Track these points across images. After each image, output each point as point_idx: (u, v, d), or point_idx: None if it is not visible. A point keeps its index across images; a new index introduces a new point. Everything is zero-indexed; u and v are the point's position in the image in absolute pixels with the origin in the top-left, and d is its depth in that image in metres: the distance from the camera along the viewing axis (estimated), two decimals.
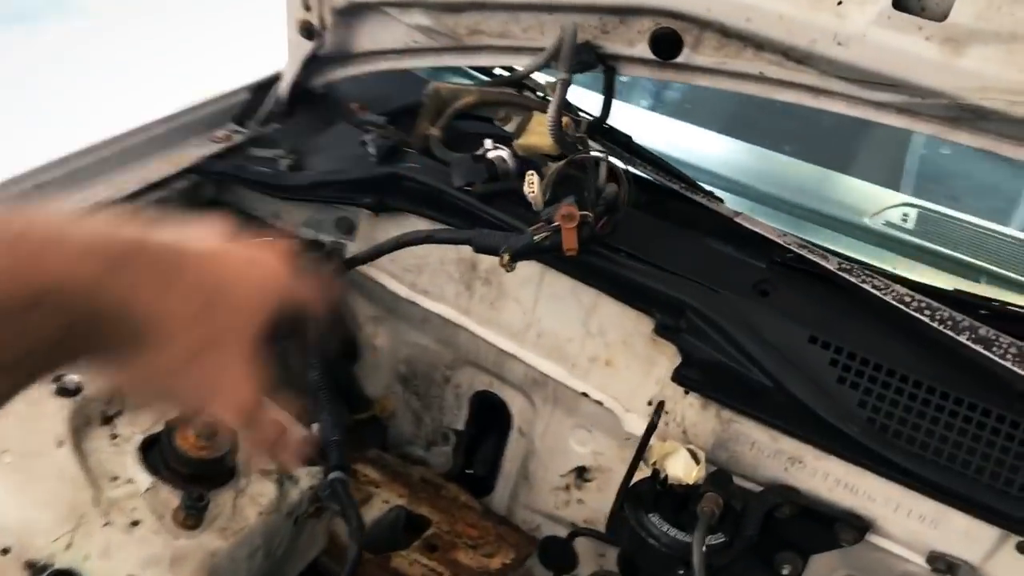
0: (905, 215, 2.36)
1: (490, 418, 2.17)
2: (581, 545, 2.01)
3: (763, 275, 1.82)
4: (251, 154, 2.18)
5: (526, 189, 1.61)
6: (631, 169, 1.95)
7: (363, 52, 2.25)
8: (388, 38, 2.19)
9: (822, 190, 2.53)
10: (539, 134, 1.80)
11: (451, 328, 2.08)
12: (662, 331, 1.76)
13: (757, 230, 1.87)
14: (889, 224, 2.30)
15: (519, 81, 2.18)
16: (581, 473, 2.02)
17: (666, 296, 1.75)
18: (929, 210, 2.42)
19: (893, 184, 3.97)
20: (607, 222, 1.70)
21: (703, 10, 1.76)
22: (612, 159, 1.70)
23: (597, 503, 1.99)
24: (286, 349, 1.03)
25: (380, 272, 2.13)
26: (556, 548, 2.02)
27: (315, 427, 1.71)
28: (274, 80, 2.35)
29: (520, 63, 2.07)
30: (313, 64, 2.28)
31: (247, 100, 2.32)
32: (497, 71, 2.30)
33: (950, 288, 1.80)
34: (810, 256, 1.81)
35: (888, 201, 2.44)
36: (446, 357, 2.16)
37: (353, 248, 2.13)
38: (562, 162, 1.65)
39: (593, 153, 1.71)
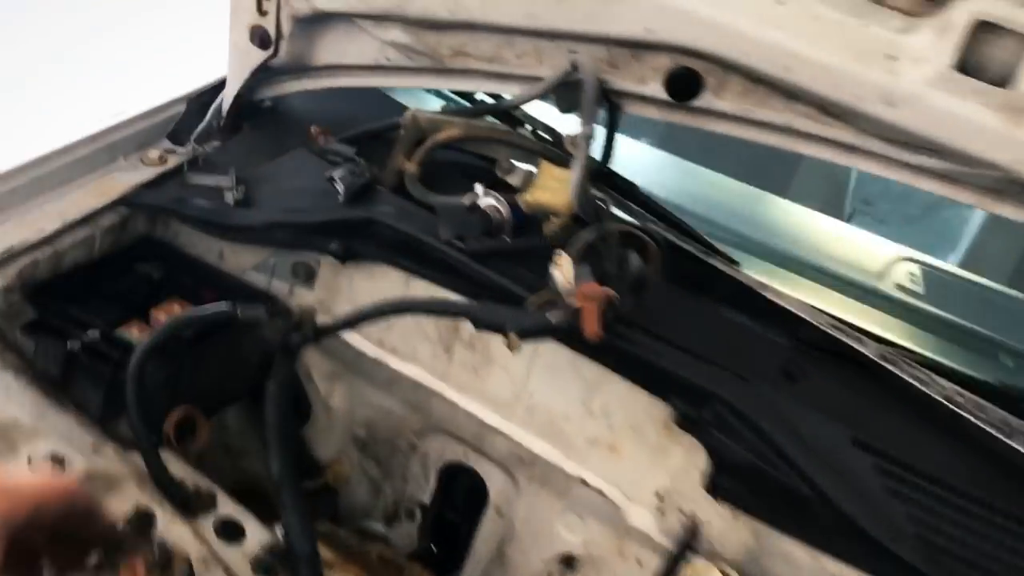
0: (913, 275, 2.22)
1: (461, 493, 1.94)
2: None
3: (789, 355, 1.64)
4: (190, 182, 1.88)
5: (554, 271, 1.37)
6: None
7: (324, 65, 1.97)
8: (356, 52, 1.92)
9: (819, 239, 2.36)
10: (551, 190, 1.56)
11: (423, 392, 1.84)
12: (685, 424, 1.56)
13: (784, 305, 1.69)
14: (900, 288, 2.15)
15: (505, 111, 1.95)
16: (568, 562, 1.81)
17: (688, 383, 1.56)
18: (935, 268, 2.29)
19: (837, 207, 3.89)
20: (633, 301, 1.48)
21: (736, 53, 1.56)
22: (641, 229, 1.48)
23: None
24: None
25: None
26: None
27: (279, 530, 1.46)
28: (214, 91, 2.05)
29: (509, 91, 1.84)
30: (262, 75, 1.99)
31: (183, 114, 2.01)
32: (479, 96, 2.06)
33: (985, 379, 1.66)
34: (844, 339, 1.64)
35: (887, 254, 2.30)
36: (414, 423, 1.92)
37: (311, 298, 1.86)
38: (588, 235, 1.43)
39: (620, 221, 1.48)
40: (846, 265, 2.18)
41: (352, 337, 1.85)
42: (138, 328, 1.66)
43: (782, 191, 3.36)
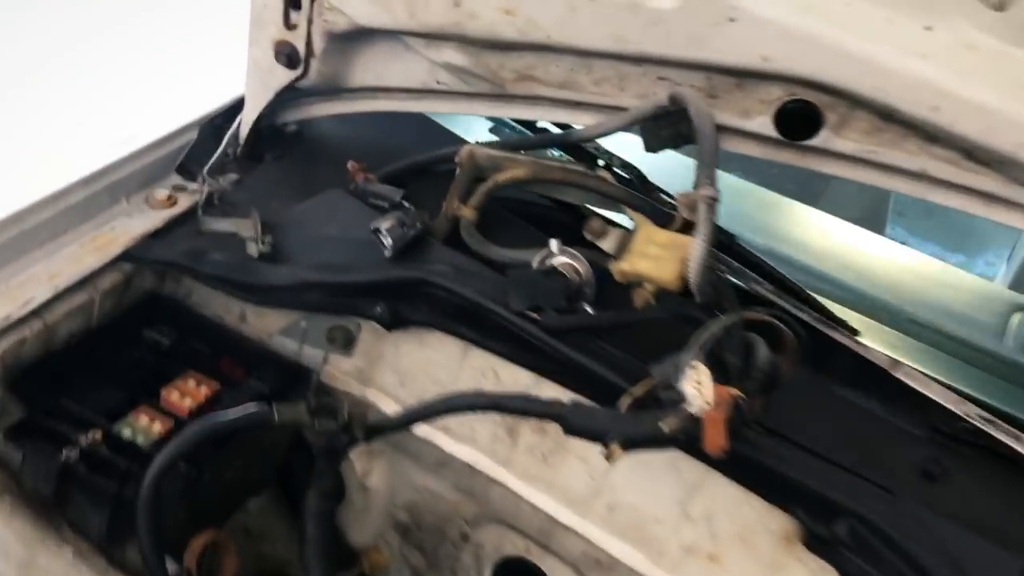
0: None
1: None
2: None
3: (926, 450, 1.39)
4: (206, 228, 1.60)
5: (689, 390, 1.09)
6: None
7: (362, 88, 1.69)
8: (401, 74, 1.64)
9: (907, 279, 2.08)
10: (654, 259, 1.29)
11: (480, 479, 1.58)
12: (814, 546, 1.31)
13: (914, 386, 1.43)
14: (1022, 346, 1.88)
15: (575, 145, 1.68)
16: None
17: (816, 493, 1.30)
18: None
19: (878, 219, 3.62)
20: (762, 403, 1.21)
21: (871, 88, 1.30)
22: (777, 317, 1.21)
23: None
24: None
25: (382, 395, 1.60)
26: None
27: None
28: (229, 114, 1.77)
29: (581, 121, 1.57)
30: (287, 95, 1.71)
31: (194, 142, 1.73)
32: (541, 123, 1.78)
33: None
34: (984, 427, 1.39)
35: (1000, 302, 2.03)
36: (467, 510, 1.66)
37: (349, 367, 1.59)
38: (717, 328, 1.15)
39: (745, 300, 1.21)
40: (955, 319, 1.91)
41: (394, 411, 1.58)
42: (148, 416, 1.39)
43: (814, 199, 3.10)
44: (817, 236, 2.37)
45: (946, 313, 1.93)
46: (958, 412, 1.41)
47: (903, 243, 3.24)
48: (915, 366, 1.51)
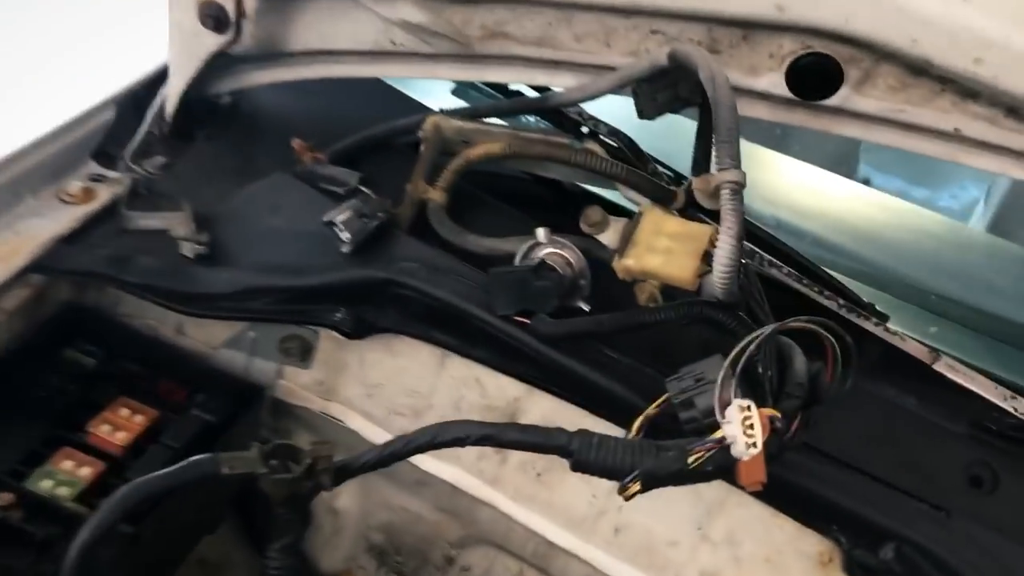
0: None
1: None
2: None
3: (970, 452, 1.24)
4: (130, 226, 1.38)
5: (734, 432, 0.91)
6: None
7: (304, 51, 1.46)
8: (349, 34, 1.42)
9: (929, 250, 1.90)
10: (663, 253, 1.10)
11: (465, 498, 1.40)
12: (856, 572, 1.15)
13: (963, 383, 1.27)
14: None
15: (555, 110, 1.47)
16: None
17: (858, 516, 1.14)
18: None
19: (848, 165, 3.49)
20: (802, 424, 1.04)
21: (902, 38, 1.12)
22: (822, 325, 1.03)
23: None
24: None
25: (347, 410, 1.42)
26: None
27: None
28: (152, 86, 1.53)
29: (561, 83, 1.37)
30: (218, 63, 1.48)
31: (112, 122, 1.50)
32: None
33: None
34: None
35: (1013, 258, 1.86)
36: (451, 532, 1.49)
37: (308, 380, 1.40)
38: (751, 343, 0.97)
39: (798, 318, 1.02)
40: (992, 292, 1.74)
41: (365, 427, 1.41)
42: (72, 459, 1.19)
43: (782, 146, 2.93)
44: (798, 189, 2.21)
45: (977, 283, 1.77)
46: (1006, 407, 1.26)
47: (868, 179, 3.09)
48: (951, 352, 1.35)
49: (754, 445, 0.90)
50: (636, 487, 1.01)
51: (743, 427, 0.90)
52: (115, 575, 1.11)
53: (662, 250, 1.11)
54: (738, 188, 1.02)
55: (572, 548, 1.36)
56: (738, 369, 0.95)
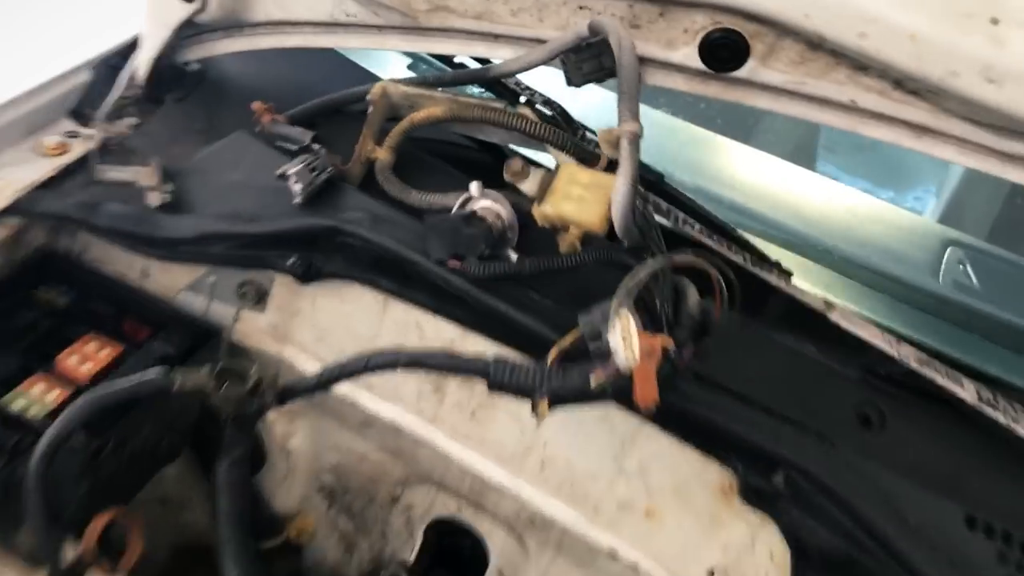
0: (960, 262, 1.93)
1: (453, 551, 1.66)
2: None
3: (862, 394, 1.38)
4: (101, 177, 1.52)
5: (615, 341, 1.05)
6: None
7: (266, 22, 1.61)
8: (306, 6, 1.56)
9: (841, 218, 2.05)
10: (577, 201, 1.25)
11: (407, 438, 1.54)
12: (752, 498, 1.30)
13: (848, 328, 1.42)
14: (958, 285, 1.86)
15: (495, 81, 1.61)
16: None
17: (753, 445, 1.28)
18: (985, 253, 1.99)
19: (807, 155, 3.62)
20: (695, 352, 1.19)
21: (798, 14, 1.25)
22: (708, 261, 1.17)
23: None
24: None
25: (300, 353, 1.55)
26: None
27: None
28: (125, 53, 1.68)
29: (499, 55, 1.51)
30: (186, 32, 1.63)
31: (87, 84, 1.64)
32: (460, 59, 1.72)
33: None
34: (920, 368, 1.38)
35: (933, 238, 2.01)
36: (395, 471, 1.62)
37: (263, 323, 1.54)
38: (643, 273, 1.11)
39: (687, 251, 1.17)
40: (889, 256, 1.89)
41: (313, 368, 1.54)
42: (43, 384, 1.33)
43: (744, 135, 3.06)
44: (747, 173, 2.33)
45: (879, 250, 1.91)
46: (893, 354, 1.40)
47: (834, 179, 3.26)
48: (850, 306, 1.49)
49: (633, 354, 1.04)
50: (545, 405, 1.16)
51: (621, 335, 1.04)
52: (74, 485, 1.24)
53: (576, 198, 1.25)
54: (635, 138, 1.16)
55: (503, 483, 1.49)
56: (631, 293, 1.09)
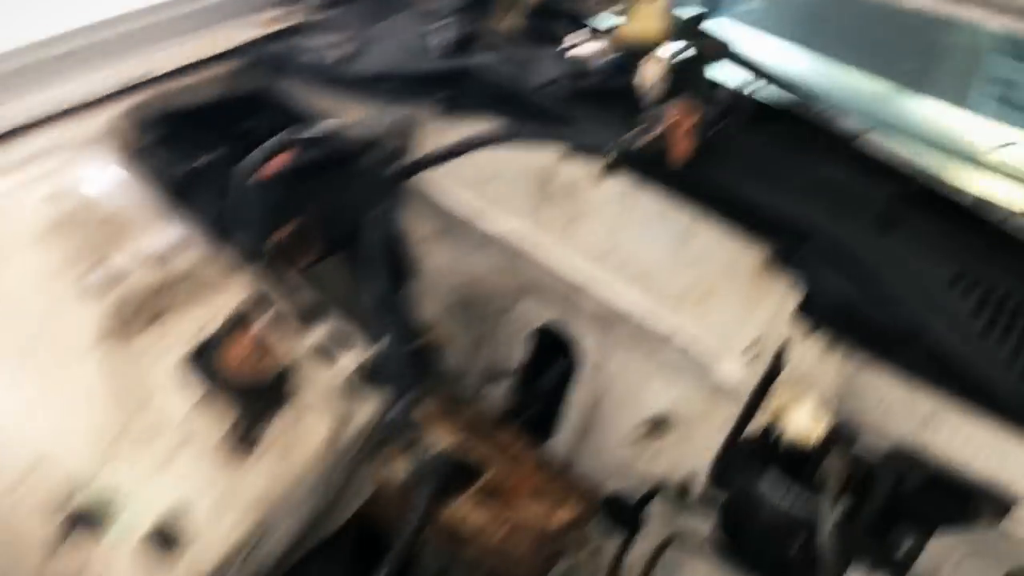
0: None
1: (554, 356, 2.03)
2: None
3: (886, 204, 1.68)
4: (302, 42, 2.02)
5: (639, 79, 1.44)
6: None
7: None
8: None
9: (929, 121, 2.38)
10: (643, 19, 1.63)
11: (515, 253, 1.92)
12: (780, 260, 1.61)
13: (881, 157, 1.73)
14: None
15: None
16: (659, 424, 1.87)
17: (787, 220, 1.61)
18: None
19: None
20: (723, 128, 1.54)
21: None
22: (737, 50, 1.54)
23: (675, 458, 1.83)
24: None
25: (435, 185, 1.97)
26: (625, 506, 1.89)
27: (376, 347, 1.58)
28: None
29: None
30: None
31: None
32: None
33: None
34: (941, 188, 1.67)
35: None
36: (508, 285, 2.01)
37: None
38: (678, 46, 1.49)
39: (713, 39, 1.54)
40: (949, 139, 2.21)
41: (445, 196, 1.94)
42: None
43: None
44: None
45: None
46: (908, 172, 1.71)
47: None
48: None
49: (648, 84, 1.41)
50: (612, 160, 1.53)
51: (648, 70, 1.41)
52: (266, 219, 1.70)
53: (643, 18, 1.65)
54: None
55: (589, 279, 1.79)
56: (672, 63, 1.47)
